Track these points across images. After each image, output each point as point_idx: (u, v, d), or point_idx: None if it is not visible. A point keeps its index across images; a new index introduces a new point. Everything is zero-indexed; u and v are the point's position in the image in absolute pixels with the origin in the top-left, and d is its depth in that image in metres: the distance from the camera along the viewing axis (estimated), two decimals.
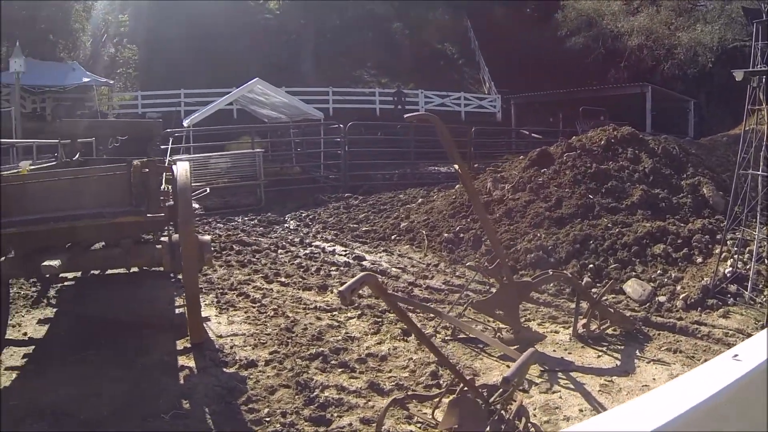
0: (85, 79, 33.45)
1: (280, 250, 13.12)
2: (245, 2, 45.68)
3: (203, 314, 7.95)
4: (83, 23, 39.01)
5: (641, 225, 11.88)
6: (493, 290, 8.75)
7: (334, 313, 8.89)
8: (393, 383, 6.48)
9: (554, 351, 7.87)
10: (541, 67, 44.32)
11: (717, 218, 12.03)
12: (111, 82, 36.94)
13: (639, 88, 34.35)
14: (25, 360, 7.15)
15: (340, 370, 6.78)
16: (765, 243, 10.88)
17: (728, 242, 11.34)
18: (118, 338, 7.69)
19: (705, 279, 10.27)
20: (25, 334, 8.03)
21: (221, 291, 9.78)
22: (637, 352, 7.97)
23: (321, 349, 7.23)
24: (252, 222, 16.91)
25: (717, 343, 8.37)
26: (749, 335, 8.36)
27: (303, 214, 17.80)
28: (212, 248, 8.34)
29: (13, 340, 7.65)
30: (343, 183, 22.96)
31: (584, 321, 8.32)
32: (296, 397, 6.04)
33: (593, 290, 9.97)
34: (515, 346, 7.56)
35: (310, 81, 40.28)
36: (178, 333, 7.86)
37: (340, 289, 4.25)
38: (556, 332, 8.63)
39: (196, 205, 18.33)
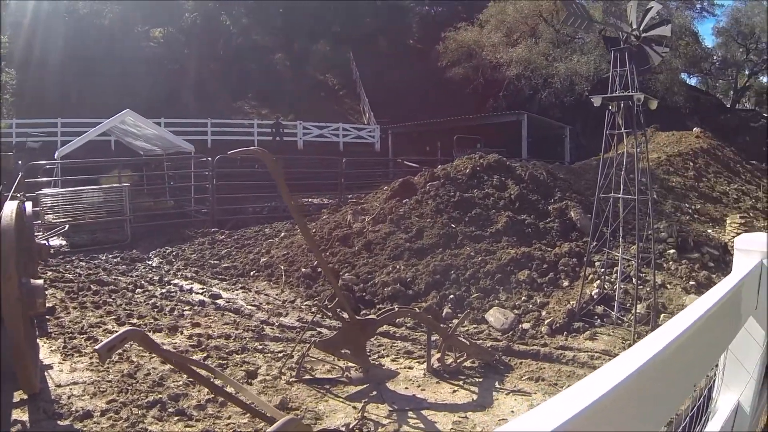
0: None
1: (138, 290, 12.47)
2: (129, 29, 44.50)
3: (47, 361, 7.66)
4: None
5: (505, 252, 11.67)
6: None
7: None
8: (231, 430, 6.17)
9: (406, 388, 7.48)
10: (421, 97, 44.82)
11: (585, 241, 11.84)
12: None
13: (515, 116, 34.82)
14: None
15: (176, 418, 6.36)
16: (633, 262, 10.75)
17: (596, 264, 11.38)
18: None
19: (571, 302, 10.14)
20: None
21: (70, 335, 9.15)
22: (497, 383, 7.69)
23: (160, 396, 6.81)
24: (115, 260, 15.95)
25: (582, 367, 8.20)
26: (615, 356, 8.23)
27: (167, 251, 17.20)
28: (46, 293, 7.66)
29: None
30: (211, 217, 22.12)
31: (438, 355, 7.98)
32: None
33: (454, 321, 9.62)
34: (365, 385, 7.30)
35: (192, 112, 39.38)
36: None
37: (96, 347, 3.87)
38: (410, 368, 8.24)
39: (58, 242, 17.94)
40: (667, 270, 12.01)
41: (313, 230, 14.87)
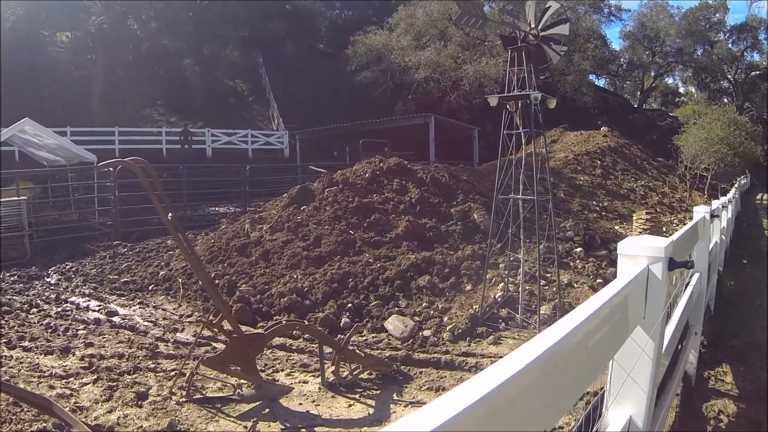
0: None
1: (33, 309, 11.71)
2: (34, 33, 42.55)
3: None
4: None
5: (405, 257, 11.33)
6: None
7: (70, 379, 7.86)
8: None
9: (300, 404, 7.13)
10: (330, 102, 44.57)
11: (490, 242, 11.38)
12: None
13: (422, 119, 34.72)
14: None
15: None
16: (538, 263, 10.56)
17: (500, 266, 11.12)
18: None
19: (474, 307, 9.85)
20: None
21: None
22: (395, 395, 7.37)
23: (44, 425, 6.33)
24: (12, 278, 15.06)
25: None
26: None
27: (67, 267, 16.17)
28: None
29: None
30: (114, 230, 21.28)
31: (332, 368, 7.60)
32: None
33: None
34: (257, 402, 7.01)
35: (99, 120, 37.98)
36: None
37: None
38: (305, 382, 7.87)
39: None
40: (574, 269, 11.93)
41: (212, 241, 14.48)
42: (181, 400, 7.22)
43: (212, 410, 7.00)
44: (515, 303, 10.02)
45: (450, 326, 9.30)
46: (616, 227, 16.92)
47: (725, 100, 63.39)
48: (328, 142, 39.82)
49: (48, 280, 15.00)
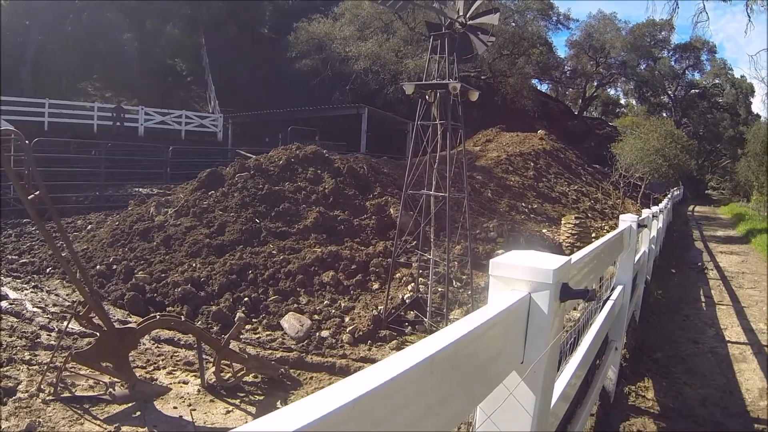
0: None
1: None
2: None
3: None
4: None
5: (311, 251, 10.73)
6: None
7: None
8: None
9: (175, 408, 6.65)
10: (269, 87, 43.84)
11: (404, 240, 10.82)
12: None
13: (356, 110, 34.14)
14: None
15: None
16: (454, 262, 10.04)
17: (414, 265, 10.39)
18: None
19: (380, 307, 9.26)
20: None
21: None
22: (279, 403, 6.91)
23: None
24: None
25: None
26: None
27: None
28: None
29: None
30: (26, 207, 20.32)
31: (213, 369, 7.07)
32: None
33: (247, 327, 8.82)
34: (129, 404, 6.52)
35: (30, 90, 36.84)
36: None
37: None
38: (185, 383, 7.34)
39: None
40: None
41: (116, 223, 13.79)
42: (47, 398, 6.72)
43: (79, 411, 6.51)
44: (425, 305, 9.47)
45: (351, 327, 8.75)
46: (544, 230, 16.58)
47: (664, 114, 64.61)
48: (262, 128, 39.07)
49: None
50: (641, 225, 7.49)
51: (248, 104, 40.81)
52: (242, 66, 45.78)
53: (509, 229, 13.18)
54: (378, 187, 13.26)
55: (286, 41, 43.80)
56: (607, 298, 5.52)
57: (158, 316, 7.44)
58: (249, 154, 28.42)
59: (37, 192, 6.74)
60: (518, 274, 2.28)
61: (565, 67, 69.10)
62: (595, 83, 70.55)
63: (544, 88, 72.34)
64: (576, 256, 3.22)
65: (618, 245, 5.40)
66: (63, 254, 8.68)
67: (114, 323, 7.29)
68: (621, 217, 7.06)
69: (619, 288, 6.00)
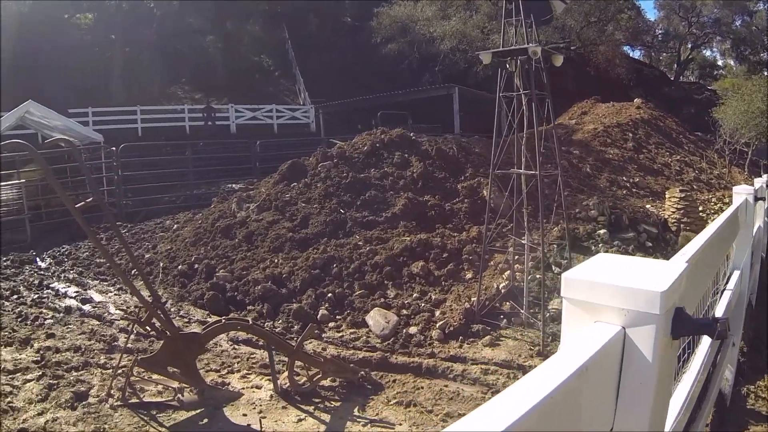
0: None
1: (12, 296, 11.43)
2: (56, 17, 42.70)
3: None
4: None
5: (399, 240, 10.11)
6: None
7: (16, 375, 7.48)
8: None
9: (245, 415, 6.32)
10: (357, 75, 43.76)
11: (499, 223, 9.96)
12: None
13: (446, 90, 33.52)
14: None
15: None
16: (552, 247, 9.32)
17: (509, 250, 9.60)
18: None
19: (473, 299, 8.53)
20: None
21: None
22: (356, 410, 6.38)
23: None
24: (5, 263, 14.92)
25: (473, 384, 6.82)
26: (519, 367, 7.04)
27: (63, 250, 16.06)
28: None
29: None
30: (119, 210, 20.66)
31: (286, 374, 6.62)
32: None
33: (330, 324, 8.41)
34: (198, 410, 6.30)
35: (120, 99, 38.08)
36: None
37: None
38: (259, 387, 6.98)
39: None
40: (596, 254, 10.33)
41: (199, 221, 13.78)
42: (116, 404, 6.60)
43: (145, 417, 6.35)
44: (521, 296, 8.67)
45: (441, 322, 8.10)
46: (648, 206, 15.56)
47: (766, 73, 61.28)
48: (354, 116, 38.91)
49: (40, 264, 14.85)
50: (759, 198, 6.62)
51: (338, 93, 40.66)
52: (328, 56, 46.06)
53: (610, 206, 12.24)
54: (469, 169, 12.58)
55: (369, 27, 43.49)
56: (723, 290, 4.64)
57: (224, 320, 7.16)
58: (339, 142, 28.28)
59: (90, 199, 6.56)
60: (606, 297, 1.47)
61: (656, 30, 66.57)
62: (689, 45, 67.54)
63: (636, 54, 70.04)
64: (688, 252, 2.42)
65: (734, 225, 4.50)
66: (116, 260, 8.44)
67: (178, 326, 7.23)
68: (734, 189, 6.19)
69: (736, 274, 5.06)
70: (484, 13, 38.59)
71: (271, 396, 6.66)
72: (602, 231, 11.01)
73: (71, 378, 7.27)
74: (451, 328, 7.96)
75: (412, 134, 13.82)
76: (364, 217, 10.94)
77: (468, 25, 37.85)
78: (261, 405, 6.50)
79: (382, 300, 8.83)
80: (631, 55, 62.95)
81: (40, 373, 7.44)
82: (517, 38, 8.52)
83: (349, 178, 11.87)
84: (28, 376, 7.37)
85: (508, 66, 8.41)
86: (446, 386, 6.74)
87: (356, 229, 10.69)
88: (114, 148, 21.81)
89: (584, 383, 1.28)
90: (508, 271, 9.32)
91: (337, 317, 8.66)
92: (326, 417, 6.21)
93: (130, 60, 43.10)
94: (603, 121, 27.15)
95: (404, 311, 8.52)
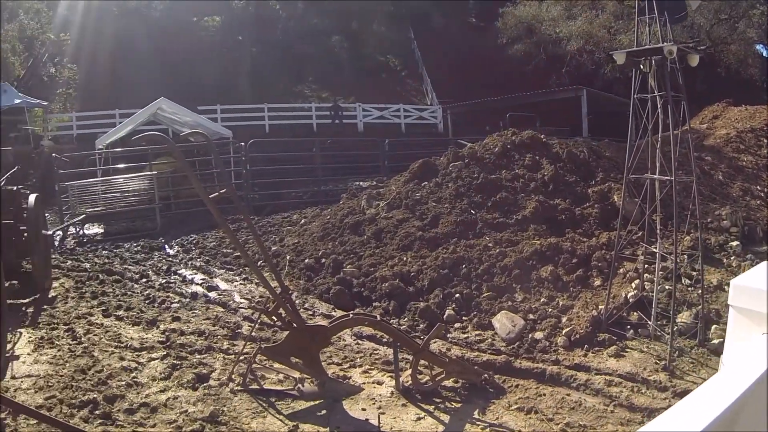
0: (17, 101, 32.91)
1: (142, 280, 12.23)
2: (186, 20, 44.99)
3: (19, 351, 7.70)
4: (13, 43, 38.08)
5: (529, 243, 10.07)
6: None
7: (142, 353, 7.99)
8: None
9: (363, 410, 6.48)
10: (483, 75, 43.54)
11: (630, 230, 9.77)
12: (44, 103, 36.37)
13: (574, 92, 33.21)
14: None
15: (99, 421, 5.97)
16: (683, 257, 9.12)
17: (639, 258, 9.43)
18: None
19: (600, 307, 8.43)
20: None
21: (54, 326, 8.98)
22: (476, 412, 6.40)
23: (96, 396, 6.40)
24: (136, 248, 15.89)
25: (595, 395, 6.71)
26: (644, 381, 6.87)
27: (190, 239, 16.89)
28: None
29: None
30: (246, 203, 21.30)
31: (410, 372, 6.72)
32: None
33: (456, 325, 8.44)
34: (317, 401, 6.51)
35: (248, 98, 39.25)
36: None
37: None
38: (380, 383, 7.12)
39: (94, 231, 18.11)
40: (728, 267, 9.86)
41: (327, 217, 14.09)
42: (236, 388, 6.92)
43: (264, 404, 6.62)
44: (649, 306, 8.45)
45: (567, 329, 8.06)
46: None
47: None
48: (481, 117, 38.68)
49: (168, 251, 15.74)
50: None
51: (465, 94, 40.71)
52: (454, 56, 46.02)
53: (744, 216, 11.79)
54: (600, 173, 12.38)
55: (494, 28, 43.21)
56: None
57: (351, 315, 7.37)
58: (468, 143, 28.27)
59: (223, 190, 6.97)
60: None
61: None
62: None
63: None
64: None
65: None
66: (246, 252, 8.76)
67: (304, 318, 7.43)
68: None
69: None
70: (610, 12, 37.60)
71: (392, 392, 6.76)
72: (735, 243, 10.54)
73: (194, 360, 7.67)
74: (577, 336, 7.91)
75: (543, 136, 13.72)
76: (495, 219, 10.94)
77: (594, 25, 37.01)
78: (381, 401, 6.61)
79: (510, 303, 8.84)
80: (765, 55, 60.07)
81: (165, 353, 7.88)
82: (650, 37, 8.40)
83: (480, 179, 11.88)
84: (153, 355, 7.82)
85: (642, 66, 8.24)
86: (568, 395, 6.68)
87: (486, 230, 10.71)
88: (243, 144, 22.43)
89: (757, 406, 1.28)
90: (637, 280, 9.11)
91: (463, 318, 8.72)
92: (445, 417, 6.27)
93: (257, 60, 44.46)
94: (735, 126, 26.15)
95: (531, 316, 8.52)
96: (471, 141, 29.13)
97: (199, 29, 46.11)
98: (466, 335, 8.25)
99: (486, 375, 6.98)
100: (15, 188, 10.94)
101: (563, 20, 38.39)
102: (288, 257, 12.35)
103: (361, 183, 24.08)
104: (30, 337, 8.38)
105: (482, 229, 10.78)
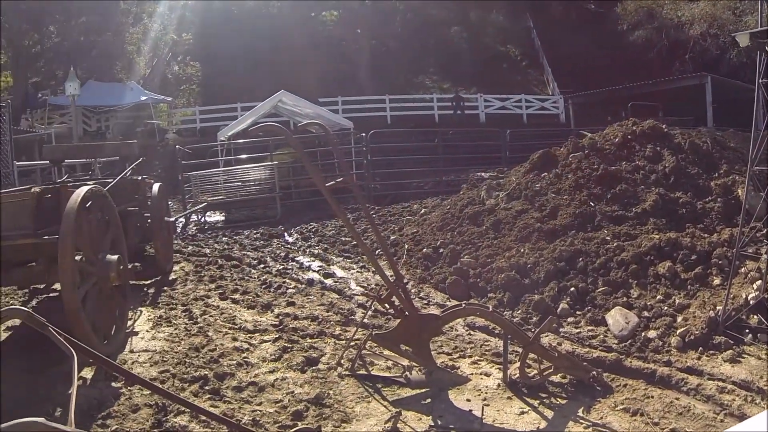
0: (143, 98, 35.45)
1: (259, 265, 12.78)
2: (303, 15, 46.22)
3: (138, 328, 8.21)
4: (138, 44, 40.53)
5: (648, 237, 9.79)
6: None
7: (254, 335, 8.32)
8: (250, 418, 5.87)
9: (468, 400, 6.43)
10: (605, 63, 42.63)
11: (753, 227, 9.22)
12: (169, 99, 39.19)
13: (697, 79, 31.92)
14: None
15: (208, 396, 6.28)
16: None
17: (763, 257, 8.89)
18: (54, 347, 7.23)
19: (718, 308, 7.98)
20: None
21: (172, 306, 9.50)
22: (581, 410, 6.24)
23: (207, 373, 6.72)
24: (256, 235, 16.80)
25: (706, 401, 6.39)
26: (759, 391, 6.45)
27: (309, 227, 17.52)
28: (121, 266, 7.78)
29: None
30: (367, 193, 21.72)
31: (518, 365, 6.64)
32: (150, 418, 5.70)
33: (569, 319, 8.36)
34: (423, 390, 6.58)
35: (368, 89, 40.19)
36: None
37: None
38: (487, 375, 7.07)
39: (215, 218, 19.70)
40: None
41: (447, 207, 14.19)
42: (344, 372, 7.06)
43: (370, 389, 6.73)
44: None
45: (681, 330, 7.70)
46: None
47: None
48: (602, 107, 37.78)
49: (287, 238, 16.39)
50: None
51: (586, 83, 40.08)
52: (574, 44, 45.45)
53: None
54: (724, 165, 11.80)
55: (614, 14, 42.20)
56: None
57: (464, 305, 7.40)
58: (588, 133, 27.75)
59: (340, 179, 7.20)
60: None
61: None
62: None
63: None
64: None
65: None
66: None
67: (417, 307, 7.40)
68: None
69: None
70: None
71: (498, 385, 6.72)
72: None
73: (305, 344, 7.87)
74: (692, 337, 7.53)
75: (664, 126, 13.35)
76: (614, 212, 10.64)
77: (718, 6, 35.45)
78: (486, 392, 6.57)
79: (625, 299, 8.59)
80: None
81: (277, 336, 8.15)
82: None
83: (600, 170, 11.58)
84: (265, 337, 8.11)
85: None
86: (677, 399, 6.38)
87: (605, 223, 10.45)
88: (364, 134, 22.84)
89: None
90: (759, 281, 8.52)
91: (577, 313, 8.57)
92: (549, 413, 6.18)
93: (376, 52, 45.28)
94: None
95: (645, 313, 8.24)
96: (592, 131, 28.72)
97: (317, 23, 47.29)
98: (578, 330, 8.11)
99: (594, 372, 6.82)
100: (141, 178, 11.64)
101: (685, 3, 37.07)
102: (406, 246, 12.54)
103: (482, 173, 24.12)
104: (149, 316, 8.92)
105: (601, 221, 10.53)
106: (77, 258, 6.74)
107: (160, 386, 5.99)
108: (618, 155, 12.23)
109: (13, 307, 4.78)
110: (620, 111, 33.37)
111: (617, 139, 12.55)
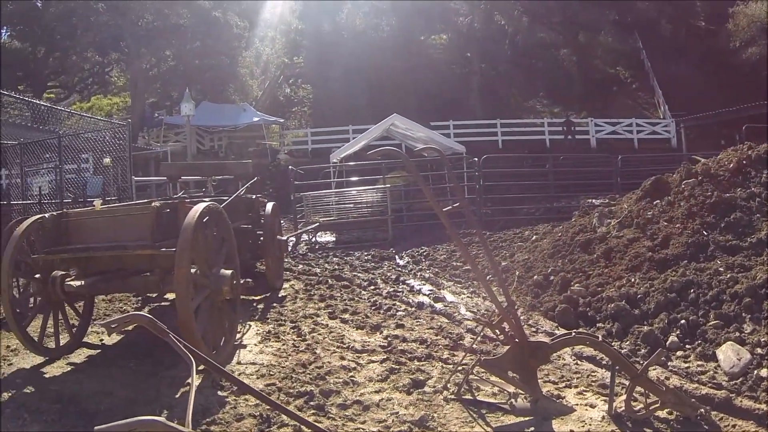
0: (255, 119, 37.41)
1: (370, 287, 12.88)
2: (413, 39, 46.67)
3: (246, 342, 8.70)
4: (251, 68, 41.45)
5: (762, 269, 9.45)
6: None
7: (362, 354, 8.42)
8: None
9: (572, 431, 6.29)
10: (718, 84, 41.29)
11: None
12: (281, 120, 39.79)
13: None
14: (84, 359, 8.28)
15: (312, 411, 6.40)
16: None
17: None
18: (162, 352, 7.87)
19: None
20: (101, 340, 9.10)
21: (281, 322, 9.90)
22: None
23: (313, 389, 6.87)
24: (366, 257, 17.05)
25: None
26: None
27: (421, 251, 17.58)
28: (234, 281, 8.13)
29: (88, 344, 8.82)
30: (478, 218, 21.76)
31: (624, 398, 6.46)
32: (254, 428, 5.94)
33: (678, 353, 8.04)
34: (526, 418, 6.45)
35: (478, 113, 40.43)
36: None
37: (103, 322, 4.29)
38: (593, 406, 6.87)
39: (326, 239, 20.38)
40: None
41: (558, 234, 14.00)
42: (449, 397, 7.00)
43: (474, 414, 6.64)
44: None
45: None
46: None
47: None
48: (716, 130, 36.68)
49: (398, 261, 16.40)
50: None
51: (698, 105, 38.83)
52: (684, 65, 44.24)
53: None
54: None
55: (725, 30, 40.95)
56: None
57: (574, 333, 7.23)
58: (701, 159, 27.06)
59: (457, 204, 7.12)
60: None
61: None
62: None
63: None
64: None
65: None
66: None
67: (527, 335, 7.18)
68: None
69: None
70: None
71: (603, 417, 6.55)
72: None
73: (412, 366, 7.82)
74: None
75: None
76: (728, 241, 10.26)
77: None
78: (591, 424, 6.41)
79: (737, 334, 8.17)
80: None
81: (385, 357, 8.18)
82: None
83: (714, 198, 11.31)
84: (373, 358, 8.16)
85: None
86: None
87: (718, 253, 10.11)
88: (476, 159, 23.01)
89: None
90: None
91: (687, 346, 8.25)
92: None
93: (486, 75, 45.34)
94: None
95: (758, 350, 7.73)
96: (705, 156, 28.10)
97: (427, 47, 47.76)
98: (687, 365, 7.79)
99: (702, 410, 6.52)
100: (254, 197, 12.07)
101: None
102: (517, 273, 12.45)
103: (593, 200, 23.98)
104: (258, 330, 9.29)
105: (714, 251, 10.18)
106: (192, 270, 7.07)
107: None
108: (732, 181, 11.89)
109: (138, 313, 5.13)
110: (734, 134, 32.47)
111: (732, 165, 12.22)
